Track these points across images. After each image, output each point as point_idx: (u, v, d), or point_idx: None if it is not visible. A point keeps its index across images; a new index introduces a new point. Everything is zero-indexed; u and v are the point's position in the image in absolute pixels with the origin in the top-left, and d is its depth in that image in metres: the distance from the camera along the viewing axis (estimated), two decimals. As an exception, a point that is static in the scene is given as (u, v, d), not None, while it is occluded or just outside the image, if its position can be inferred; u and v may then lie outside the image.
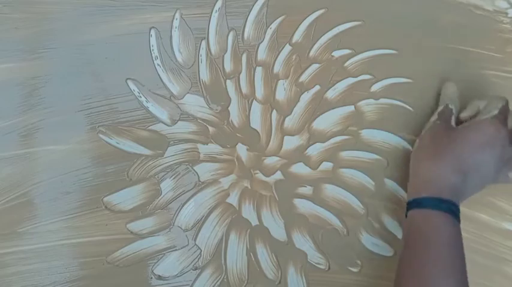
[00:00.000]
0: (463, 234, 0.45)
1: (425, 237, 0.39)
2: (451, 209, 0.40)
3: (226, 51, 0.47)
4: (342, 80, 0.48)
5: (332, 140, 0.47)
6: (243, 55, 0.47)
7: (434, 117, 0.45)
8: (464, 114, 0.45)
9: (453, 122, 0.44)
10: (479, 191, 0.43)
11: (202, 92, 0.47)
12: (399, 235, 0.46)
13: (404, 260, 0.40)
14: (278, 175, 0.47)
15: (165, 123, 0.46)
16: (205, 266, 0.45)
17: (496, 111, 0.42)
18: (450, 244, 0.39)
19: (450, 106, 0.45)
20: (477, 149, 0.41)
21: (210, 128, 0.47)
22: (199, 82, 0.47)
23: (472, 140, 0.42)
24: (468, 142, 0.42)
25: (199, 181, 0.46)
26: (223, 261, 0.45)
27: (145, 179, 0.45)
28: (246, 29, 0.48)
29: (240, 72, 0.47)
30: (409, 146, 0.47)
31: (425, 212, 0.40)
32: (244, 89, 0.47)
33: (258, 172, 0.47)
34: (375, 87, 0.48)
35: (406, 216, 0.41)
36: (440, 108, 0.46)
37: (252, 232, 0.46)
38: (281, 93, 0.47)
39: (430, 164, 0.42)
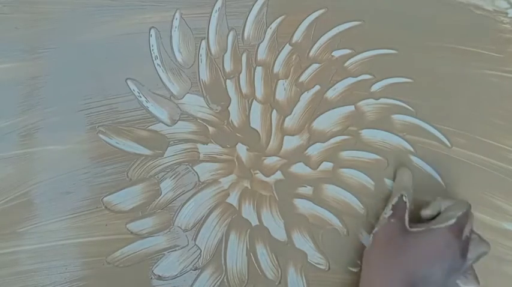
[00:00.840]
0: (463, 234, 0.45)
1: None
2: None
3: (226, 51, 0.47)
4: (342, 80, 0.48)
5: (332, 140, 0.47)
6: (243, 55, 0.47)
7: (388, 210, 0.43)
8: (425, 213, 0.44)
9: (407, 221, 0.42)
10: None
11: (202, 92, 0.47)
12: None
13: None
14: (278, 175, 0.47)
15: (165, 123, 0.46)
16: (205, 266, 0.45)
17: (452, 221, 0.41)
18: None
19: (404, 199, 0.43)
20: (428, 262, 0.40)
21: (210, 128, 0.47)
22: (199, 82, 0.47)
23: (424, 251, 0.41)
24: (420, 254, 0.41)
25: (199, 181, 0.46)
26: (223, 261, 0.45)
27: (145, 179, 0.45)
28: (246, 29, 0.48)
29: (240, 72, 0.47)
30: (409, 146, 0.47)
31: None
32: (244, 89, 0.47)
33: (258, 172, 0.47)
34: (375, 87, 0.48)
35: None
36: (394, 199, 0.43)
37: (252, 232, 0.46)
38: (281, 93, 0.47)
39: (381, 277, 0.41)
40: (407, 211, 0.42)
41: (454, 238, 0.41)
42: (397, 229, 0.42)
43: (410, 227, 0.42)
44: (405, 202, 0.43)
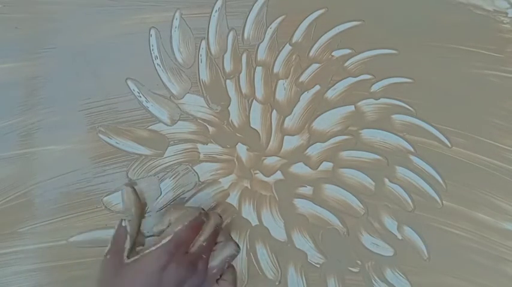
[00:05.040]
0: (463, 234, 0.45)
1: None
2: None
3: (226, 51, 0.47)
4: (342, 80, 0.48)
5: (332, 140, 0.47)
6: (243, 55, 0.47)
7: (111, 243, 0.39)
8: (155, 229, 0.40)
9: (126, 252, 0.38)
10: None
11: (202, 92, 0.47)
12: (399, 235, 0.46)
13: None
14: (278, 175, 0.47)
15: (165, 123, 0.46)
16: (205, 266, 0.45)
17: (167, 239, 0.37)
18: None
19: (124, 224, 0.39)
20: None
21: (210, 128, 0.47)
22: (199, 82, 0.47)
23: (138, 282, 0.36)
24: (128, 284, 0.36)
25: (199, 181, 0.46)
26: (223, 261, 0.45)
27: (145, 179, 0.45)
28: (246, 29, 0.48)
29: (240, 72, 0.47)
30: (409, 146, 0.47)
31: None
32: (244, 89, 0.47)
33: (258, 172, 0.47)
34: (375, 87, 0.48)
35: None
36: (116, 228, 0.39)
37: (252, 232, 0.46)
38: (281, 93, 0.47)
39: None
40: (128, 238, 0.39)
41: (165, 261, 0.36)
42: (110, 266, 0.38)
43: (131, 257, 0.37)
44: (125, 228, 0.39)
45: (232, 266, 0.40)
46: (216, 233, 0.40)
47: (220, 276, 0.40)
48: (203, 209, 0.40)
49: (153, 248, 0.37)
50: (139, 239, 0.41)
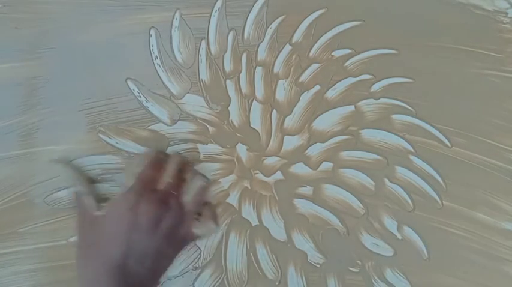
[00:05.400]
0: (463, 234, 0.45)
1: None
2: None
3: (226, 51, 0.47)
4: (342, 80, 0.48)
5: (332, 140, 0.47)
6: (243, 55, 0.47)
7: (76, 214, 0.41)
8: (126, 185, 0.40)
9: (93, 207, 0.40)
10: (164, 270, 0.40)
11: (202, 92, 0.47)
12: (399, 235, 0.46)
13: None
14: (278, 175, 0.47)
15: (165, 123, 0.46)
16: (205, 266, 0.45)
17: (131, 181, 0.38)
18: None
19: (77, 188, 0.41)
20: (116, 238, 0.37)
21: (210, 128, 0.47)
22: (199, 82, 0.47)
23: (108, 232, 0.37)
24: (107, 235, 0.37)
25: (199, 181, 0.46)
26: (223, 261, 0.45)
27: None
28: (246, 29, 0.48)
29: (240, 72, 0.47)
30: (409, 146, 0.47)
31: None
32: (244, 89, 0.47)
33: (258, 172, 0.47)
34: (375, 87, 0.48)
35: None
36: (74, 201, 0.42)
37: (252, 232, 0.46)
38: (281, 93, 0.47)
39: (83, 276, 0.38)
40: (87, 197, 0.40)
41: (137, 196, 0.37)
42: (86, 226, 0.40)
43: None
44: (81, 192, 0.41)
45: (210, 203, 0.40)
46: (181, 170, 0.40)
47: (200, 214, 0.40)
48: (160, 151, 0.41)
49: (119, 193, 0.38)
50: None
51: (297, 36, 0.48)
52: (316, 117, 0.47)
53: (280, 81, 0.47)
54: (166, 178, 0.39)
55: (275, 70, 0.47)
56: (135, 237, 0.37)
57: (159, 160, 0.40)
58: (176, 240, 0.39)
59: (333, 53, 0.48)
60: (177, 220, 0.39)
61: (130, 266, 0.37)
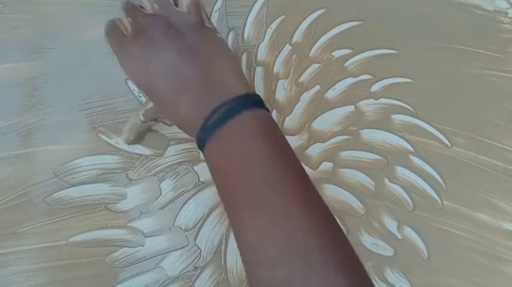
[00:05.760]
0: (463, 234, 0.45)
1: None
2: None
3: (226, 51, 0.47)
4: (342, 80, 0.48)
5: (332, 140, 0.47)
6: (243, 55, 0.47)
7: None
8: None
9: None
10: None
11: (202, 92, 0.47)
12: (399, 235, 0.46)
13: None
14: (278, 175, 0.47)
15: (165, 123, 0.46)
16: (205, 266, 0.45)
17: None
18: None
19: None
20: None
21: (210, 128, 0.46)
22: (199, 82, 0.47)
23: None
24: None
25: (199, 181, 0.46)
26: (223, 261, 0.45)
27: (145, 179, 0.45)
28: (246, 29, 0.48)
29: (240, 72, 0.47)
30: (409, 146, 0.47)
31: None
32: (244, 89, 0.47)
33: (258, 172, 0.47)
34: (375, 87, 0.48)
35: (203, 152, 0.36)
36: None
37: (252, 232, 0.46)
38: (281, 93, 0.47)
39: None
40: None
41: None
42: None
43: None
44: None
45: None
46: None
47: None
48: None
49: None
50: None
51: (297, 36, 0.48)
52: (316, 117, 0.47)
53: (280, 81, 0.47)
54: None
55: (275, 70, 0.47)
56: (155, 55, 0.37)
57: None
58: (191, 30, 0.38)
59: (333, 53, 0.48)
60: (182, 18, 0.38)
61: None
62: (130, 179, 0.45)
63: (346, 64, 0.48)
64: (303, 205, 0.31)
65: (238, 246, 0.33)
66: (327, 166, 0.47)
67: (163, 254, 0.45)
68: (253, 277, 0.31)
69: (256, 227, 0.30)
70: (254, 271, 0.31)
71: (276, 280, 0.29)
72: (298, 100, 0.47)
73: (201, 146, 0.36)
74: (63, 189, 0.44)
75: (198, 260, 0.45)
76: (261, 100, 0.36)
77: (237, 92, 0.35)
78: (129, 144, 0.45)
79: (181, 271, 0.45)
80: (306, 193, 0.33)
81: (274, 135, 0.35)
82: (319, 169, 0.47)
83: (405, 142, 0.48)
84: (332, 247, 0.30)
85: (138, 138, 0.45)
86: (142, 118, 0.42)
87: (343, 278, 0.28)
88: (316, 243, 0.29)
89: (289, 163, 0.34)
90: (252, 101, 0.35)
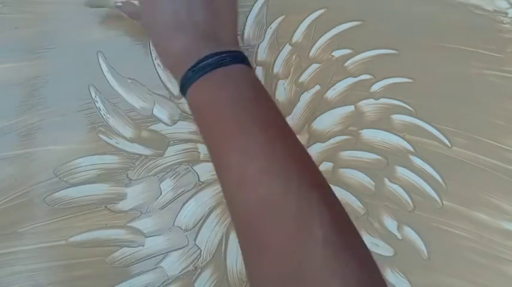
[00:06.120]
0: (463, 234, 0.45)
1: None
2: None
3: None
4: (342, 80, 0.48)
5: (332, 140, 0.47)
6: (243, 55, 0.47)
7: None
8: None
9: None
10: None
11: (202, 92, 0.47)
12: (399, 235, 0.46)
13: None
14: (278, 175, 0.47)
15: (165, 123, 0.46)
16: (205, 266, 0.45)
17: None
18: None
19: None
20: None
21: (210, 128, 0.46)
22: (199, 82, 0.47)
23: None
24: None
25: (199, 181, 0.46)
26: (223, 261, 0.45)
27: (145, 179, 0.45)
28: (246, 29, 0.48)
29: (240, 72, 0.47)
30: (409, 146, 0.47)
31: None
32: (244, 89, 0.47)
33: (258, 171, 0.47)
34: (375, 87, 0.48)
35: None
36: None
37: (252, 232, 0.46)
38: (281, 93, 0.47)
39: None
40: None
41: None
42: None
43: None
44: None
45: None
46: None
47: None
48: None
49: None
50: None
51: (297, 36, 0.48)
52: (316, 117, 0.47)
53: (280, 81, 0.47)
54: None
55: (275, 70, 0.47)
56: None
57: None
58: None
59: (333, 53, 0.48)
60: None
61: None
62: (130, 179, 0.45)
63: (346, 64, 0.48)
64: (283, 140, 0.35)
65: (219, 170, 0.36)
66: (326, 166, 0.47)
67: (163, 254, 0.45)
68: (238, 198, 0.34)
69: (240, 154, 0.34)
70: (239, 192, 0.34)
71: (259, 198, 0.33)
72: (298, 100, 0.47)
73: (187, 85, 0.38)
74: (63, 189, 0.44)
75: (198, 260, 0.45)
76: (249, 63, 0.39)
77: (231, 48, 0.38)
78: (86, 5, 0.45)
79: (181, 271, 0.45)
80: (286, 131, 0.37)
81: (260, 87, 0.38)
82: (319, 169, 0.47)
83: (405, 142, 0.48)
84: (306, 172, 0.35)
85: (96, 7, 0.45)
86: (118, 3, 0.43)
87: (317, 195, 0.33)
88: (294, 169, 0.34)
89: (273, 108, 0.38)
90: (242, 60, 0.38)
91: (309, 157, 0.37)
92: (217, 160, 0.37)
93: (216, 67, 0.37)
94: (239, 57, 0.38)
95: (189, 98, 0.39)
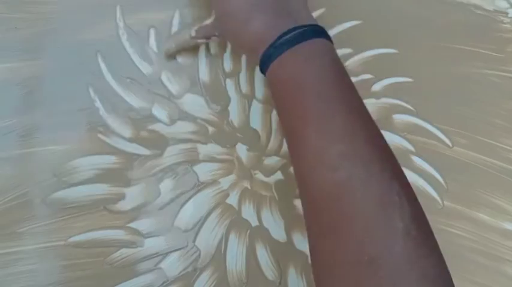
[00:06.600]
0: (463, 234, 0.45)
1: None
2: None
3: (226, 50, 0.47)
4: (341, 80, 0.48)
5: (332, 140, 0.47)
6: (242, 55, 0.47)
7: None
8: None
9: None
10: None
11: (201, 91, 0.47)
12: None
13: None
14: (278, 175, 0.47)
15: (164, 123, 0.46)
16: (205, 267, 0.45)
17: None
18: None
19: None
20: None
21: (210, 128, 0.47)
22: (199, 82, 0.47)
23: None
24: None
25: (198, 181, 0.46)
26: (222, 262, 0.45)
27: (144, 179, 0.45)
28: (246, 29, 0.48)
29: (240, 72, 0.47)
30: (410, 146, 0.47)
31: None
32: (244, 88, 0.47)
33: (258, 172, 0.47)
34: (376, 87, 0.48)
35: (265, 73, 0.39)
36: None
37: (252, 233, 0.46)
38: (281, 93, 0.47)
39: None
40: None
41: None
42: None
43: None
44: None
45: None
46: None
47: None
48: None
49: None
50: None
51: (297, 36, 0.48)
52: (316, 117, 0.47)
53: (280, 81, 0.47)
54: None
55: (275, 70, 0.47)
56: None
57: None
58: None
59: (332, 53, 0.48)
60: None
61: None
62: (130, 180, 0.45)
63: (346, 64, 0.48)
64: (364, 125, 0.35)
65: (296, 151, 0.36)
66: (326, 166, 0.47)
67: (162, 255, 0.44)
68: (314, 178, 0.34)
69: (321, 137, 0.34)
70: (315, 172, 0.34)
71: (337, 180, 0.32)
72: (298, 100, 0.47)
73: (267, 63, 0.38)
74: (62, 189, 0.44)
75: (197, 261, 0.45)
76: (330, 37, 0.39)
77: (309, 21, 0.38)
78: (167, 56, 0.46)
79: (181, 271, 0.45)
80: (366, 115, 0.36)
81: (341, 65, 0.38)
82: (319, 169, 0.47)
83: (406, 142, 0.47)
84: (388, 160, 0.34)
85: (177, 53, 0.46)
86: (193, 33, 0.43)
87: (398, 185, 0.32)
88: (376, 155, 0.33)
89: (353, 89, 0.37)
90: (323, 34, 0.37)
91: (387, 144, 0.36)
92: (293, 135, 0.36)
93: (300, 41, 0.36)
94: (320, 31, 0.37)
95: (270, 75, 0.38)
